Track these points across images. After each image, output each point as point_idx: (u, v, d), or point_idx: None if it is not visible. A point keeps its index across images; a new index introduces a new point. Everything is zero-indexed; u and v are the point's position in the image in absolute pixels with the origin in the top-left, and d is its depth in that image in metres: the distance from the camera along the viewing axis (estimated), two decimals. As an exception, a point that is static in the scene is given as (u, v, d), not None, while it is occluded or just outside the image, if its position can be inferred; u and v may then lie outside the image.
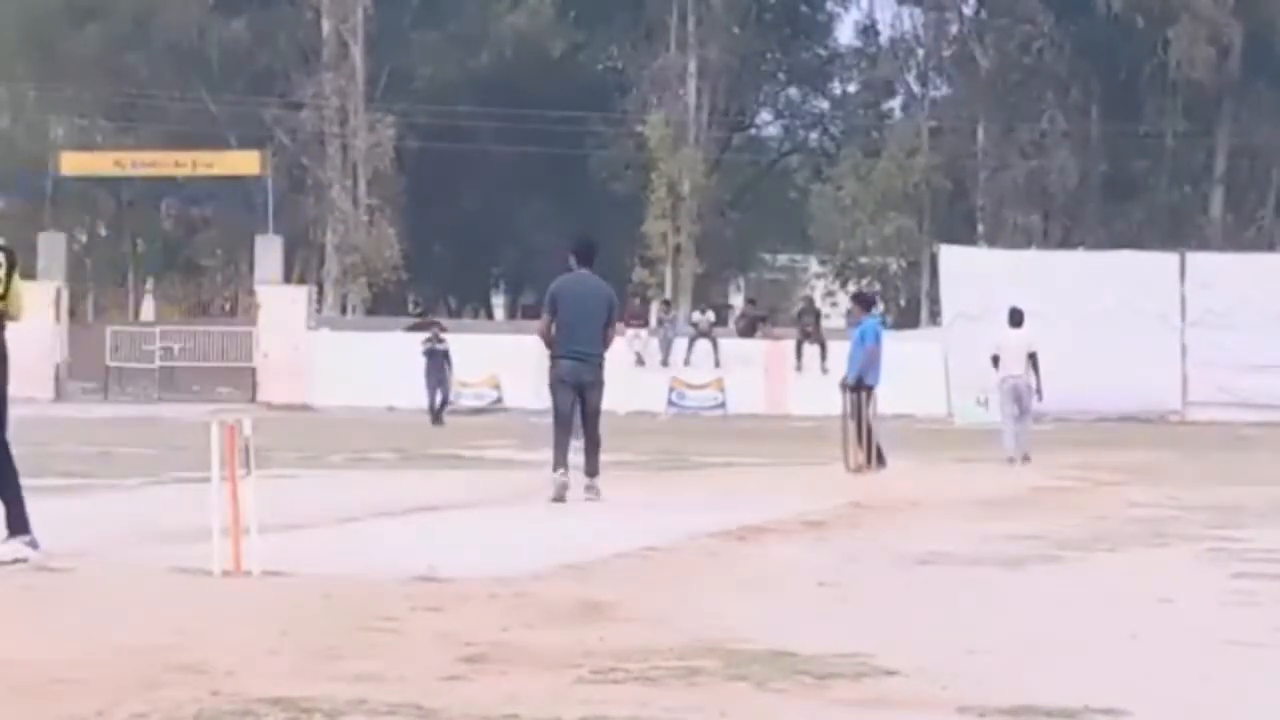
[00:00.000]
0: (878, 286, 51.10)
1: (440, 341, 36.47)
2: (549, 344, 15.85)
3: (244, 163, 50.06)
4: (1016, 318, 24.08)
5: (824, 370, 40.75)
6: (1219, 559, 11.89)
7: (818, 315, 44.88)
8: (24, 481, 10.38)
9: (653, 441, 27.51)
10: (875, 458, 20.89)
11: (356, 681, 6.66)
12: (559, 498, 15.41)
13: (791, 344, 43.12)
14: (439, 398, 35.93)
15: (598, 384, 15.85)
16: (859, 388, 21.30)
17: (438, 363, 35.96)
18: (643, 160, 52.37)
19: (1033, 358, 23.72)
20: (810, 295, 52.28)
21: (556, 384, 15.85)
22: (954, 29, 55.39)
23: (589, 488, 15.55)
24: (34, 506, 10.43)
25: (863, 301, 24.62)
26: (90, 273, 58.22)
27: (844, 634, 8.10)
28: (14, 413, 10.42)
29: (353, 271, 51.55)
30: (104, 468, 19.17)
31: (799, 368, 42.17)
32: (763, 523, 13.36)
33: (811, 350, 42.16)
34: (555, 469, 15.64)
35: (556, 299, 15.80)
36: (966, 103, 54.45)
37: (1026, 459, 23.13)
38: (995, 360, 23.99)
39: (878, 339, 21.83)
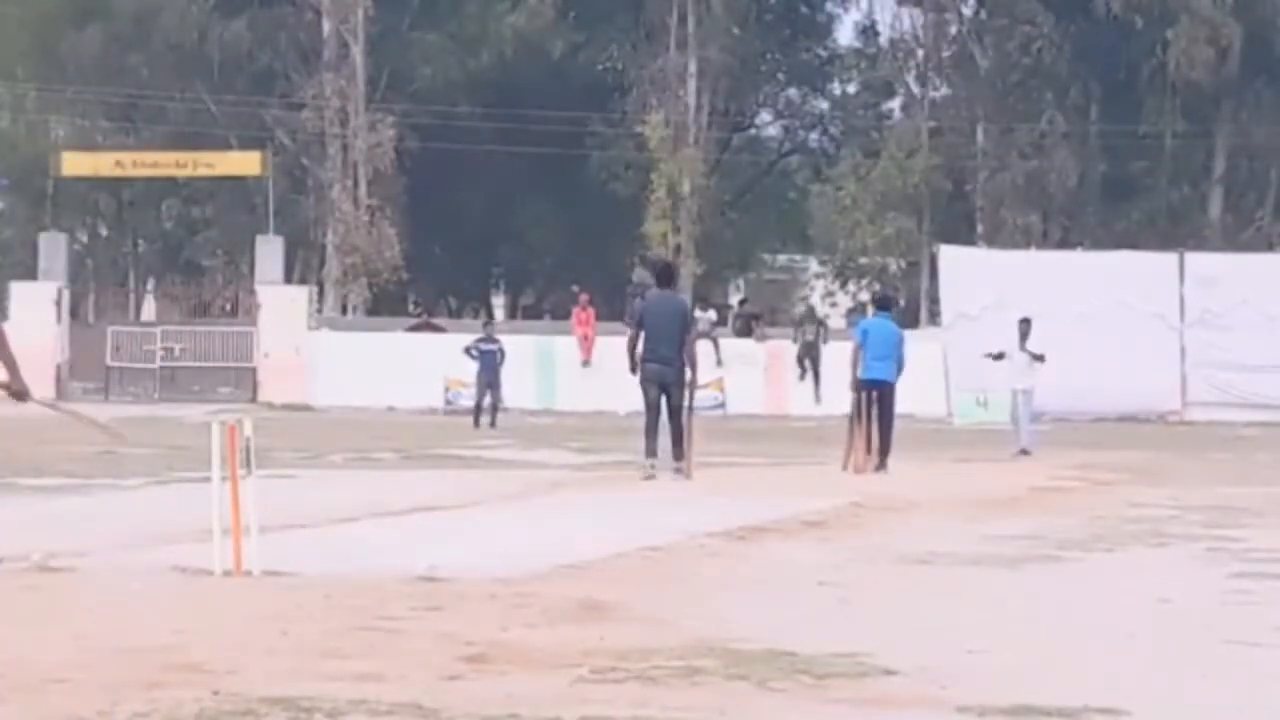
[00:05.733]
0: (877, 286, 50.99)
1: (493, 341, 34.97)
2: (633, 353, 18.50)
3: (244, 163, 50.01)
4: (1026, 329, 26.09)
5: (817, 400, 39.90)
6: (1218, 559, 11.90)
7: (820, 323, 44.12)
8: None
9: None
10: (880, 460, 20.81)
11: (356, 681, 6.67)
12: (647, 478, 18.01)
13: (791, 345, 42.95)
14: (488, 400, 34.35)
15: (679, 383, 18.38)
16: (870, 387, 21.08)
17: (490, 362, 34.35)
18: (643, 160, 52.31)
19: (1039, 357, 25.94)
20: (808, 297, 52.07)
21: (644, 383, 18.44)
22: (954, 29, 55.30)
23: (677, 470, 18.13)
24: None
25: (876, 302, 24.43)
26: (91, 273, 58.17)
27: (844, 634, 8.11)
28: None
29: (353, 272, 51.46)
30: (104, 468, 19.14)
31: (801, 378, 41.89)
32: (763, 523, 13.35)
33: (811, 365, 41.61)
34: (645, 456, 18.27)
35: (643, 315, 18.71)
36: (966, 103, 54.39)
37: (1025, 453, 24.74)
38: (999, 355, 26.08)
39: (863, 337, 21.55)
